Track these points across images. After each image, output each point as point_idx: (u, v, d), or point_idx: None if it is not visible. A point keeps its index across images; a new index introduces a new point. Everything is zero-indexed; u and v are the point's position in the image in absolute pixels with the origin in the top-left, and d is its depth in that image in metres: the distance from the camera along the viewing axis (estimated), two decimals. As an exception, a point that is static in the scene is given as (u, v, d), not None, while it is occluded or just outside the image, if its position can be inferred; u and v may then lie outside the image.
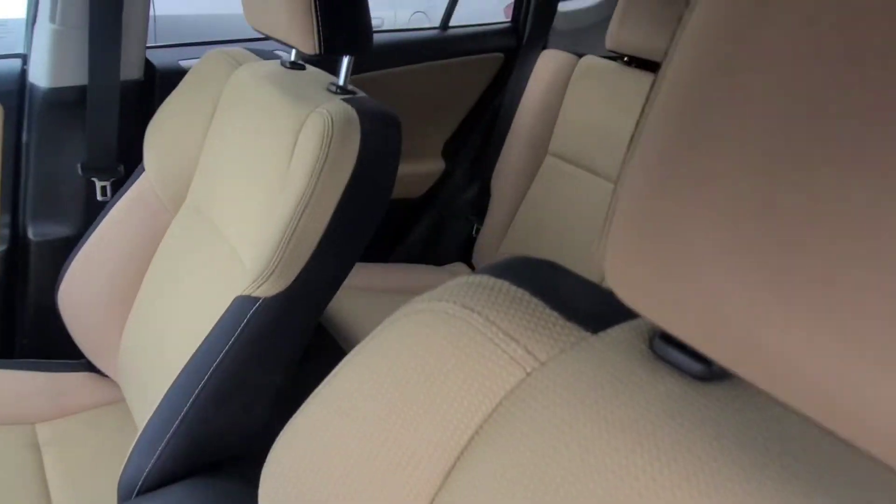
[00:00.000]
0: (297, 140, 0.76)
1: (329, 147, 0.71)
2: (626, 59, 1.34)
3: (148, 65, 1.13)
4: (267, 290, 0.73)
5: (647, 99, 0.24)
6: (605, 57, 1.37)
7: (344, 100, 0.78)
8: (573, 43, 1.59)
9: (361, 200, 0.76)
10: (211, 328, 0.75)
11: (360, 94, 0.84)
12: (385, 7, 2.93)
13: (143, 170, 0.99)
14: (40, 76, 1.03)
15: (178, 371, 0.76)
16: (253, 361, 0.75)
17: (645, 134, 0.24)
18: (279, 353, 0.79)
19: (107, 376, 1.03)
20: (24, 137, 1.07)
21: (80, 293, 0.99)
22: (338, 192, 0.73)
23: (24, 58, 1.07)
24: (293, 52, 0.92)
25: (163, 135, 0.98)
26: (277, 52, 1.03)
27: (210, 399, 0.73)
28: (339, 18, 0.77)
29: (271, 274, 0.72)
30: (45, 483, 0.86)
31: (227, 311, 0.75)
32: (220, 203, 0.88)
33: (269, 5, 0.79)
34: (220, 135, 0.92)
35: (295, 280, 0.73)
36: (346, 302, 1.27)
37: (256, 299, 0.73)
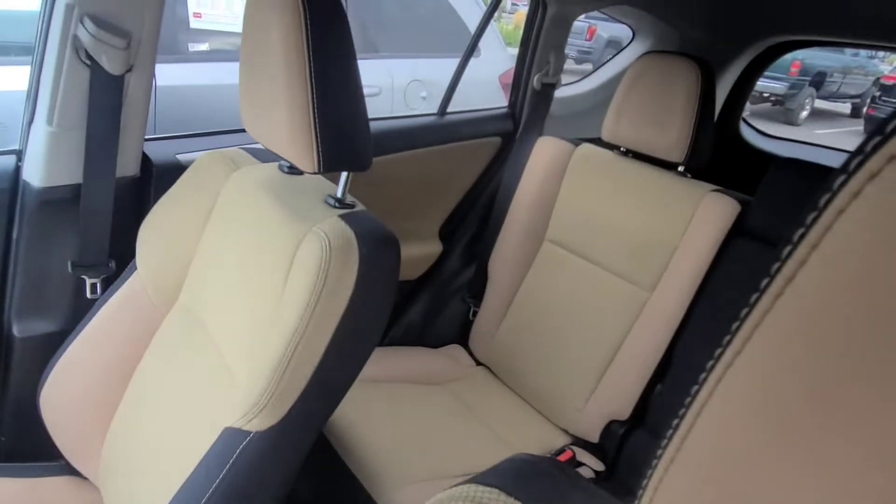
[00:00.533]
0: (294, 259, 0.74)
1: (326, 274, 0.69)
2: (622, 149, 1.35)
3: (145, 158, 1.13)
4: (258, 424, 0.69)
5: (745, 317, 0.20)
6: (601, 145, 1.38)
7: (342, 216, 0.76)
8: (569, 128, 1.61)
9: (358, 326, 0.73)
10: (200, 455, 0.72)
11: (359, 206, 0.82)
12: (382, 75, 2.99)
13: (136, 268, 0.97)
14: (34, 175, 1.02)
15: (164, 494, 0.72)
16: (246, 495, 0.71)
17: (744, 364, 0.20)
18: (273, 483, 0.75)
19: (87, 479, 0.98)
20: (14, 233, 1.05)
21: (62, 393, 0.95)
22: (334, 321, 0.70)
23: (19, 154, 1.06)
24: None
25: (157, 233, 0.96)
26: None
27: None
28: (339, 136, 0.76)
29: (262, 409, 0.69)
30: None
31: (218, 441, 0.71)
32: (213, 310, 0.86)
33: (269, 120, 0.79)
34: (216, 240, 0.90)
35: (288, 413, 0.70)
36: None
37: (247, 433, 0.70)
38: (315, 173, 0.77)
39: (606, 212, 1.32)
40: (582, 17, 1.68)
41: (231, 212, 0.89)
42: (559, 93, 1.62)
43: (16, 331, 1.07)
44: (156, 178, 1.12)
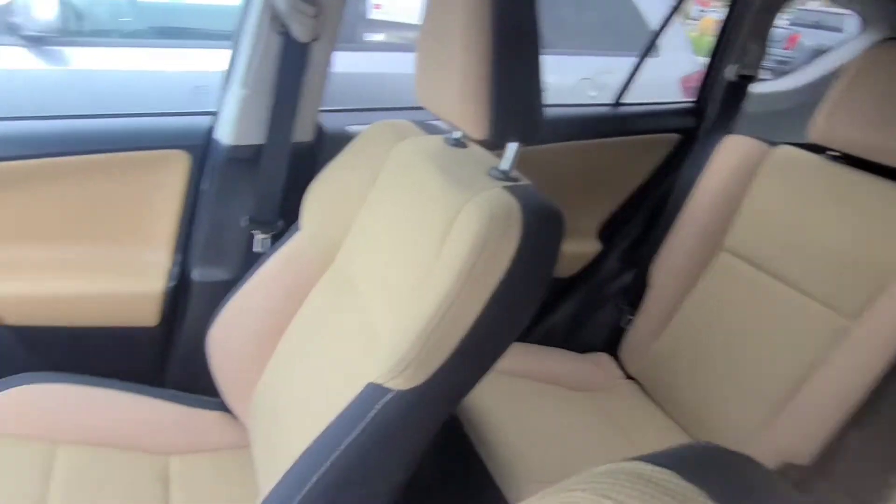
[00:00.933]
0: (453, 225, 0.71)
1: (486, 241, 0.65)
2: (833, 153, 1.15)
3: (318, 127, 1.18)
4: (401, 383, 0.68)
5: None
6: (803, 148, 1.19)
7: (507, 187, 0.72)
8: (762, 128, 1.42)
9: (512, 299, 0.69)
10: (341, 408, 0.72)
11: (524, 181, 0.77)
12: (551, 72, 2.91)
13: (299, 228, 1.01)
14: (224, 134, 1.11)
15: (303, 440, 0.73)
16: (378, 453, 0.71)
17: None
18: (406, 448, 0.74)
19: (236, 418, 1.05)
20: (203, 186, 1.15)
21: (227, 337, 1.02)
22: (488, 290, 0.66)
23: (214, 115, 1.16)
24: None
25: (322, 197, 0.99)
26: (441, 126, 1.01)
27: (331, 484, 0.70)
28: (512, 105, 0.71)
29: (406, 367, 0.67)
30: None
31: (358, 396, 0.71)
32: (367, 274, 0.86)
33: (442, 86, 0.77)
34: (376, 206, 0.91)
35: (431, 376, 0.68)
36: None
37: (388, 390, 0.68)
38: (483, 141, 0.73)
39: (806, 223, 1.14)
40: (784, 21, 1.48)
41: (394, 179, 0.89)
42: (755, 87, 1.43)
43: (195, 275, 1.17)
44: (327, 146, 1.16)
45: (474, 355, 0.70)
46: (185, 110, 1.20)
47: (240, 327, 1.01)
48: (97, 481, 0.91)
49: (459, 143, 0.89)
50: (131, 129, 1.13)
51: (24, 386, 0.98)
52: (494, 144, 0.78)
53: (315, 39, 1.03)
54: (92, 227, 1.15)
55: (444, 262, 0.69)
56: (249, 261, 1.14)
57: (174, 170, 1.14)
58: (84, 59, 2.25)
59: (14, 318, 1.13)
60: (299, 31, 1.00)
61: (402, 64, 2.39)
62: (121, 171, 1.11)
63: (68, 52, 2.23)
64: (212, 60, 2.12)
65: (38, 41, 2.20)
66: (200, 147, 1.14)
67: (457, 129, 0.79)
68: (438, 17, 0.78)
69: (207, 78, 1.44)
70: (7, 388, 0.97)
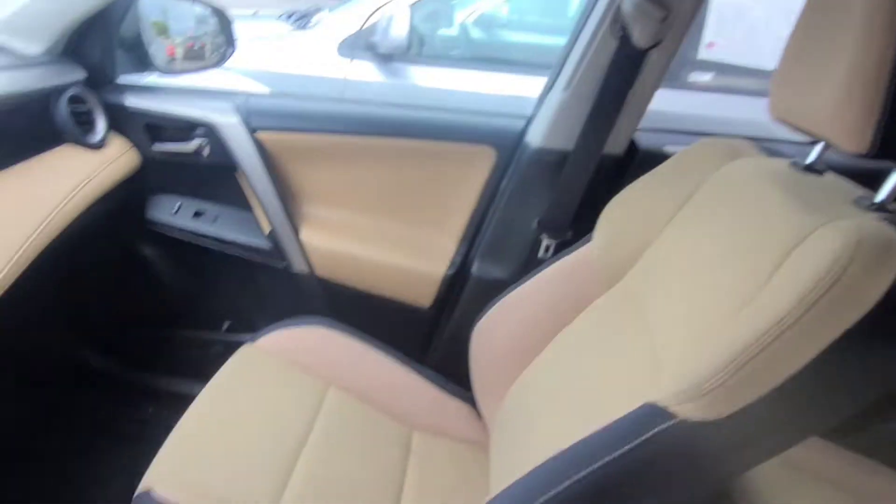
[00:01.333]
0: (795, 250, 0.57)
1: (844, 271, 0.51)
2: None
3: (631, 143, 1.11)
4: (691, 410, 0.56)
5: None
6: None
7: (884, 218, 0.56)
8: None
9: (869, 349, 0.53)
10: (605, 423, 0.63)
11: None
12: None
13: (590, 240, 0.95)
14: (535, 135, 1.11)
15: (552, 448, 0.67)
16: (641, 478, 0.61)
17: None
18: (680, 485, 0.63)
19: (480, 415, 1.04)
20: (502, 185, 1.17)
21: (491, 334, 1.01)
22: (835, 329, 0.52)
23: (529, 120, 1.17)
24: (814, 151, 0.74)
25: (623, 212, 0.93)
26: (785, 150, 0.86)
27: (580, 495, 0.62)
28: None
29: (704, 395, 0.55)
30: (401, 485, 0.91)
31: (632, 414, 0.61)
32: (661, 295, 0.76)
33: (812, 91, 0.64)
34: (687, 226, 0.80)
35: (736, 412, 0.55)
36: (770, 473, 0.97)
37: (671, 416, 0.57)
38: (862, 156, 0.59)
39: None
40: None
41: (716, 198, 0.78)
42: None
43: (474, 268, 1.20)
44: (637, 163, 1.09)
45: (801, 405, 0.56)
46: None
47: (505, 327, 0.99)
48: (351, 427, 0.97)
49: (812, 169, 0.74)
50: (449, 122, 1.21)
51: (317, 327, 1.10)
52: (868, 171, 0.62)
53: (654, 46, 0.97)
54: (397, 204, 1.26)
55: (778, 287, 0.56)
56: (529, 264, 1.12)
57: (479, 164, 1.18)
58: (420, 76, 2.58)
59: (321, 270, 1.29)
60: (640, 36, 0.95)
61: (722, 108, 2.23)
62: (433, 158, 1.20)
63: (408, 68, 2.58)
64: (526, 87, 2.23)
65: (386, 59, 2.59)
66: (509, 147, 1.17)
67: (824, 140, 0.65)
68: (823, 11, 0.65)
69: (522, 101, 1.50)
70: (306, 325, 1.10)
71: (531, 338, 0.96)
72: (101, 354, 1.48)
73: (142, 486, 0.79)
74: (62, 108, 1.06)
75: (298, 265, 1.29)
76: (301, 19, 2.92)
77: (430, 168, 1.21)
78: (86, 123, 1.12)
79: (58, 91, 1.06)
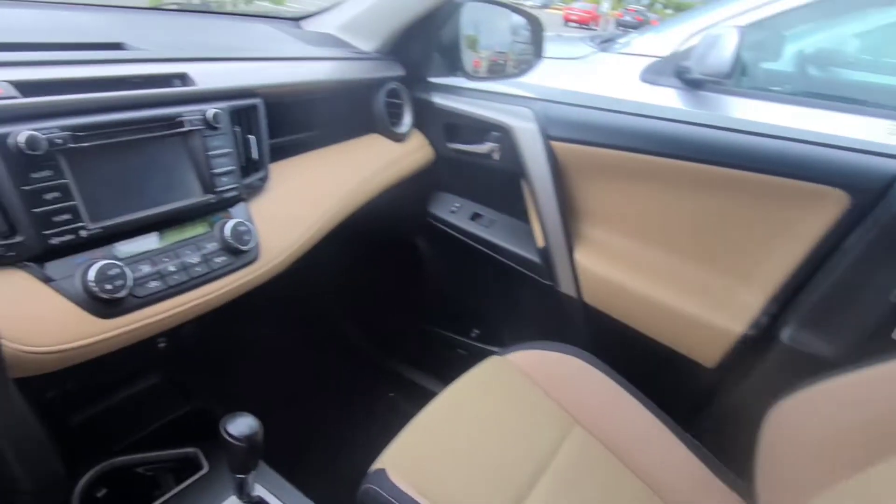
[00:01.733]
0: None
1: None
2: None
3: None
4: None
5: None
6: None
7: None
8: None
9: None
10: None
11: None
12: None
13: None
14: None
15: None
16: None
17: None
18: None
19: None
20: (851, 238, 0.89)
21: (798, 421, 0.77)
22: None
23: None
24: None
25: None
26: None
27: None
28: None
29: None
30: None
31: None
32: None
33: None
34: None
35: None
36: None
37: None
38: None
39: None
40: None
41: None
42: None
43: (785, 336, 0.94)
44: None
45: None
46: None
47: (821, 418, 0.74)
48: (593, 473, 0.87)
49: None
50: (788, 153, 0.96)
51: (574, 357, 0.99)
52: None
53: None
54: (699, 244, 1.06)
55: None
56: (873, 345, 0.83)
57: (821, 211, 0.91)
58: (734, 107, 2.27)
59: (589, 296, 1.16)
60: None
61: None
62: (763, 197, 0.96)
63: (718, 98, 2.29)
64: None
65: (694, 86, 2.32)
66: (868, 191, 0.88)
67: None
68: None
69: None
70: (563, 352, 0.99)
71: (857, 444, 0.70)
72: (359, 332, 1.58)
73: (378, 463, 0.80)
74: (381, 99, 1.15)
75: (566, 286, 1.18)
76: (605, 42, 2.84)
77: (756, 208, 0.97)
78: (395, 116, 1.19)
79: (380, 83, 1.15)
